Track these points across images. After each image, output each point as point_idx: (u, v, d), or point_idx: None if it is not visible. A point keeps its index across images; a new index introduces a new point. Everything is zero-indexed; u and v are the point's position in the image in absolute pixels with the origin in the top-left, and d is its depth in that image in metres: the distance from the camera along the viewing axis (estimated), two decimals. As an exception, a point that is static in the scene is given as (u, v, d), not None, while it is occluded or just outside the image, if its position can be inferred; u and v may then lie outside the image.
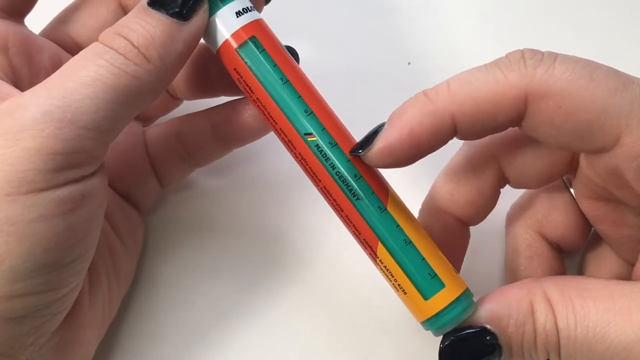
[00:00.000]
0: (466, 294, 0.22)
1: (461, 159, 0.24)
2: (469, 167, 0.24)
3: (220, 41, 0.22)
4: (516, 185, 0.24)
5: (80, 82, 0.19)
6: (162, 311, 0.28)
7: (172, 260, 0.29)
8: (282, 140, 0.22)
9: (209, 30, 0.22)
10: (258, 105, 0.22)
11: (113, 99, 0.20)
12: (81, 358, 0.24)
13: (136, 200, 0.28)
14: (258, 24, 0.22)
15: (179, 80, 0.27)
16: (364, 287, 0.28)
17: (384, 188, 0.22)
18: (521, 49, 0.21)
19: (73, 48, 0.26)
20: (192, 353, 0.28)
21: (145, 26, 0.20)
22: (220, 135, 0.26)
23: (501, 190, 0.25)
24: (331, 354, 0.28)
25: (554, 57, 0.20)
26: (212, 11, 0.22)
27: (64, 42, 0.26)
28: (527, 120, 0.20)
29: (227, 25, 0.22)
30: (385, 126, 0.21)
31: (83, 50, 0.21)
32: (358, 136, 0.22)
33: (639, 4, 0.33)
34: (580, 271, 0.27)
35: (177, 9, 0.21)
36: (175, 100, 0.28)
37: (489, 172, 0.24)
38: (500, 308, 0.21)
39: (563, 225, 0.24)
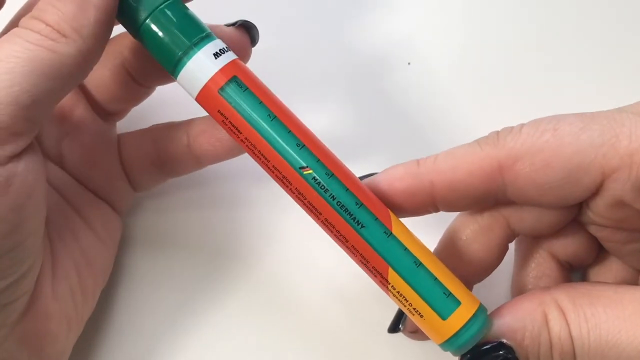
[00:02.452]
0: (481, 310, 0.22)
1: (468, 217, 0.24)
2: (477, 225, 0.24)
3: (200, 85, 0.21)
4: (532, 236, 0.25)
5: None
6: (142, 312, 0.28)
7: (150, 260, 0.29)
8: (276, 177, 0.22)
9: (187, 76, 0.21)
10: (247, 145, 0.22)
11: (31, 73, 0.19)
12: (53, 352, 0.23)
13: (110, 201, 0.27)
14: (236, 64, 0.22)
15: (135, 65, 0.26)
16: (340, 286, 0.29)
17: (386, 214, 0.22)
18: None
19: None
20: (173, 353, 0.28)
21: (55, 3, 0.20)
22: (195, 149, 0.26)
23: None
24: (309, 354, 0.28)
25: (522, 124, 0.21)
26: (188, 56, 0.21)
27: None
28: (510, 188, 0.21)
29: (206, 68, 0.21)
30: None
31: (3, 36, 0.20)
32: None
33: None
34: (585, 275, 0.27)
35: None
36: (141, 87, 0.27)
37: (497, 231, 0.24)
38: (514, 321, 0.21)
39: (573, 244, 0.24)
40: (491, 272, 0.24)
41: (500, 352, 0.21)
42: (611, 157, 0.20)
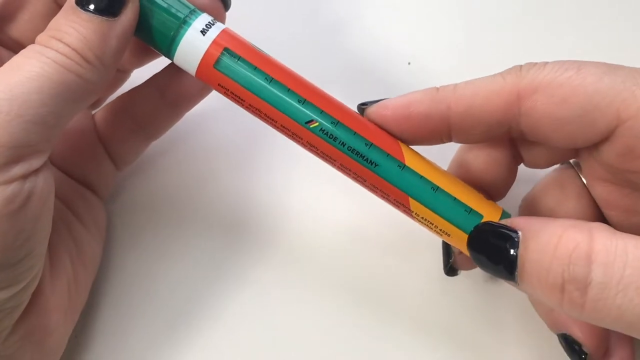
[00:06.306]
0: (505, 215, 0.23)
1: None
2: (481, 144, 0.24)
3: (195, 64, 0.22)
4: (529, 163, 0.25)
5: (25, 76, 0.19)
6: (133, 297, 0.28)
7: (139, 245, 0.29)
8: (287, 134, 0.23)
9: (182, 57, 0.22)
10: (253, 111, 0.22)
11: (58, 95, 0.20)
12: (53, 345, 0.24)
13: (93, 185, 0.27)
14: (226, 34, 0.22)
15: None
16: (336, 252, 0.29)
17: (396, 148, 0.23)
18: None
19: (10, 44, 0.25)
20: (165, 336, 0.28)
21: (78, 28, 0.20)
22: (169, 100, 0.26)
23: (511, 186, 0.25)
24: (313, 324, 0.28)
25: (546, 62, 0.21)
26: (178, 38, 0.22)
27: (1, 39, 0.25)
28: (525, 119, 0.21)
29: (196, 47, 0.22)
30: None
31: (23, 50, 0.21)
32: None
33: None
34: None
35: (105, 5, 0.21)
36: (120, 73, 0.27)
37: (500, 144, 0.24)
38: (536, 222, 0.19)
39: (575, 215, 0.24)
40: (508, 188, 0.25)
41: (512, 236, 0.19)
42: (630, 103, 0.19)
